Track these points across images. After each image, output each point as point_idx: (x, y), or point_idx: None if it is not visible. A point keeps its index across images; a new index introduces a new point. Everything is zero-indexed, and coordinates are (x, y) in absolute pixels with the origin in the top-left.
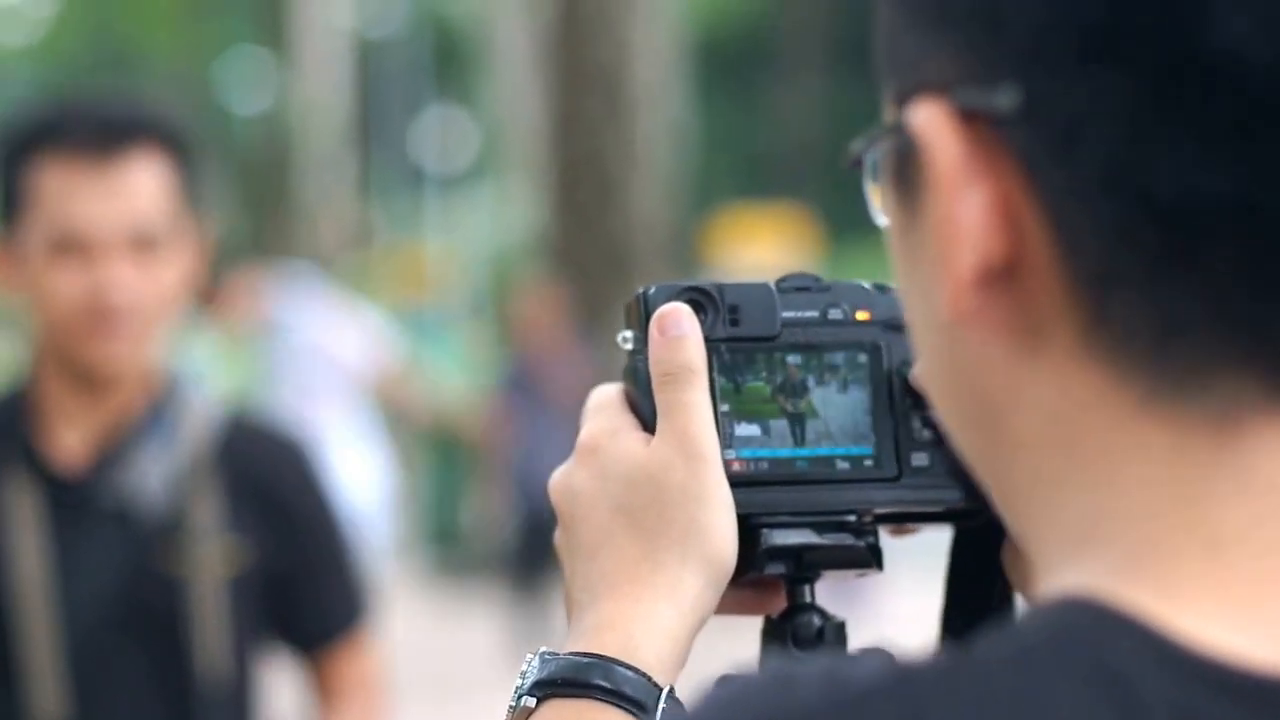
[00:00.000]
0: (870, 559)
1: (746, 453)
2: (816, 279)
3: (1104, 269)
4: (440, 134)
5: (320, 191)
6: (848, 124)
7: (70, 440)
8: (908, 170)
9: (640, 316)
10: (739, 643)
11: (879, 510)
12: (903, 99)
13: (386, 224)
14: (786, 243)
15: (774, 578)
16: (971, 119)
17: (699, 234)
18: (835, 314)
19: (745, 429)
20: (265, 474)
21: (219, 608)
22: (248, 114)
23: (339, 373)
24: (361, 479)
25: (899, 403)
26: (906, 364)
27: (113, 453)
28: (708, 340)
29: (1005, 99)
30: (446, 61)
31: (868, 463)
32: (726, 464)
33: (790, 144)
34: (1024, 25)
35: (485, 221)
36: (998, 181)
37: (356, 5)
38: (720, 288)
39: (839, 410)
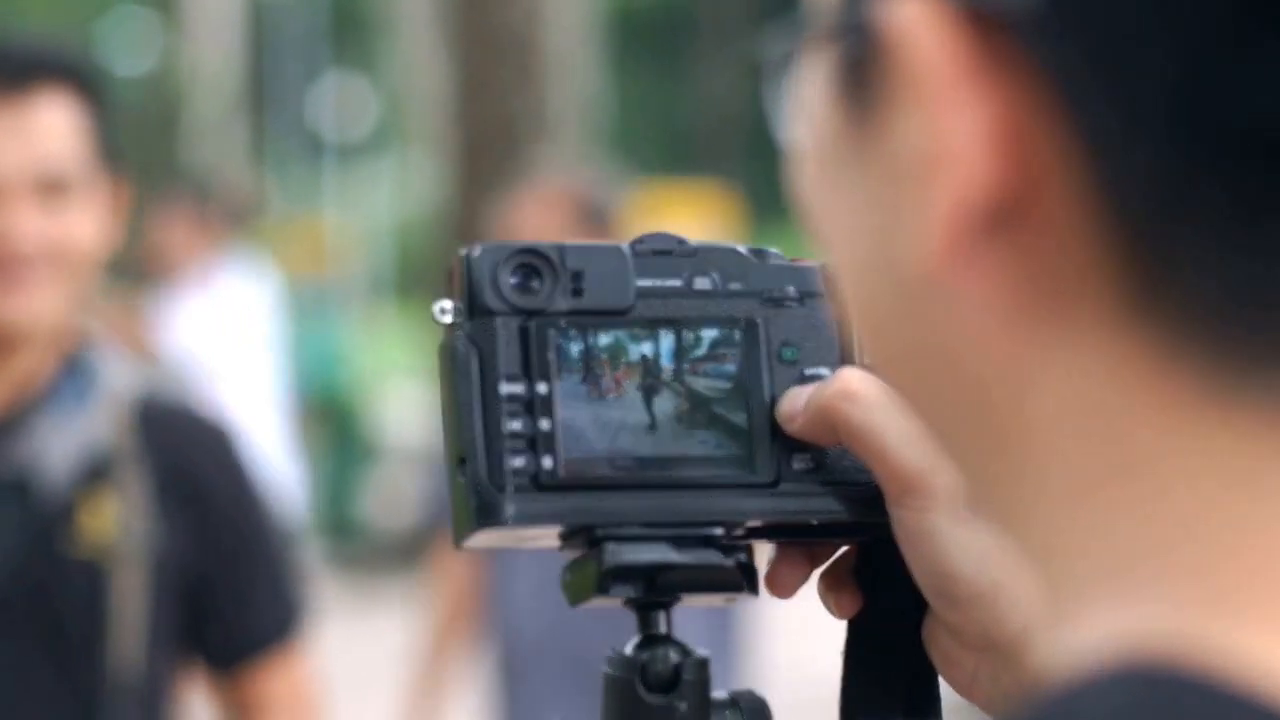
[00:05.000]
0: (741, 580)
1: (587, 449)
2: (681, 241)
3: (1163, 211)
4: (339, 101)
5: (210, 160)
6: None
7: None
8: (864, 75)
9: (464, 284)
10: None
11: (752, 522)
12: None
13: (281, 195)
14: (708, 220)
15: (621, 602)
16: (978, 20)
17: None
18: (703, 283)
19: (587, 420)
20: (186, 458)
21: (135, 600)
22: (130, 75)
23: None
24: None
25: (782, 389)
26: (789, 345)
27: (12, 419)
28: (544, 314)
29: None
30: (345, 24)
31: (739, 464)
32: (559, 464)
33: (713, 117)
34: None
35: (387, 194)
36: (1009, 98)
37: None
38: (562, 250)
39: (705, 400)
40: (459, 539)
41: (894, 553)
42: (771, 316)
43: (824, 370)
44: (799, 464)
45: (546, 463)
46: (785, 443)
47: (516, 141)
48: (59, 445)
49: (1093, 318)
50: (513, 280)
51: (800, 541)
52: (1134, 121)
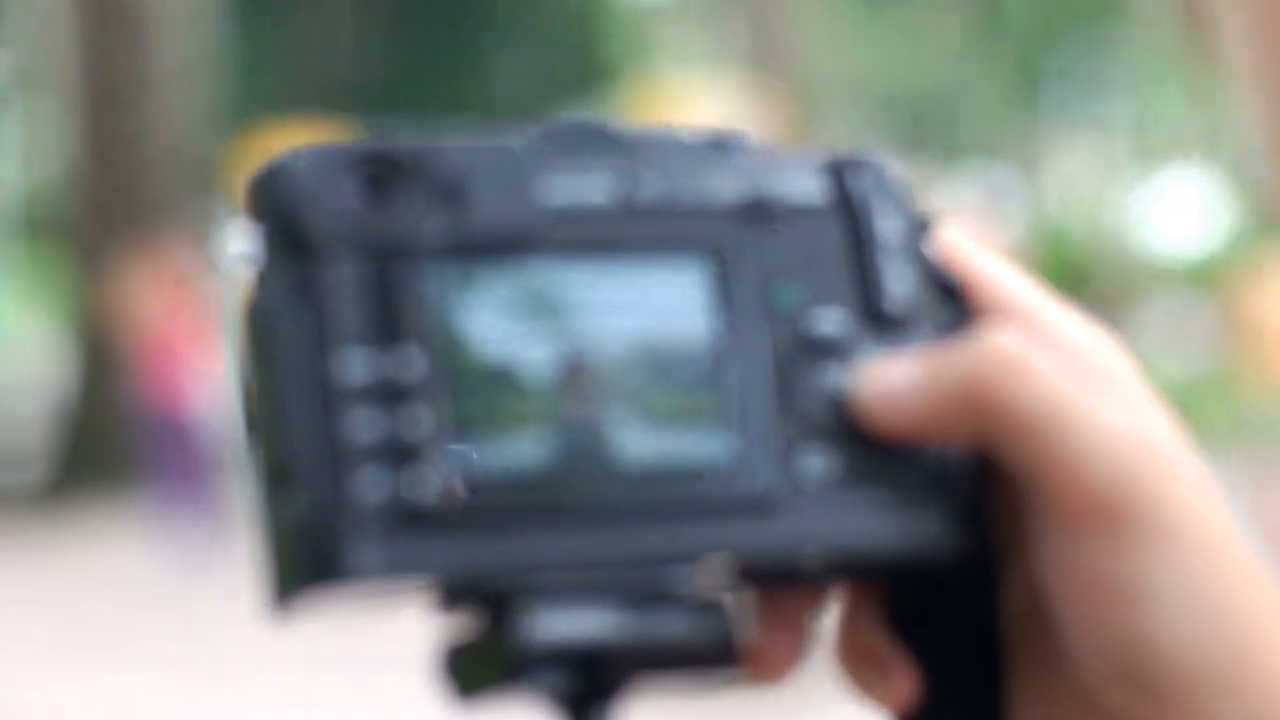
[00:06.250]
0: (731, 654)
1: (485, 459)
2: (606, 129)
3: None
4: None
5: None
6: (394, 42)
7: None
8: None
9: (281, 205)
10: None
11: (745, 563)
12: None
13: None
14: None
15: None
16: None
17: (233, 159)
18: (646, 191)
19: (482, 412)
20: None
21: None
22: None
23: None
24: None
25: (778, 353)
26: (784, 282)
27: None
28: (409, 246)
29: None
30: None
31: (723, 472)
32: (441, 483)
33: (334, 59)
34: None
35: (14, 153)
36: None
37: None
38: (430, 149)
39: (664, 373)
40: (281, 601)
41: (967, 591)
42: (754, 241)
43: (833, 321)
44: (819, 466)
45: (423, 481)
46: (796, 433)
47: (125, 95)
48: None
49: None
50: (358, 199)
51: (795, 587)
52: None
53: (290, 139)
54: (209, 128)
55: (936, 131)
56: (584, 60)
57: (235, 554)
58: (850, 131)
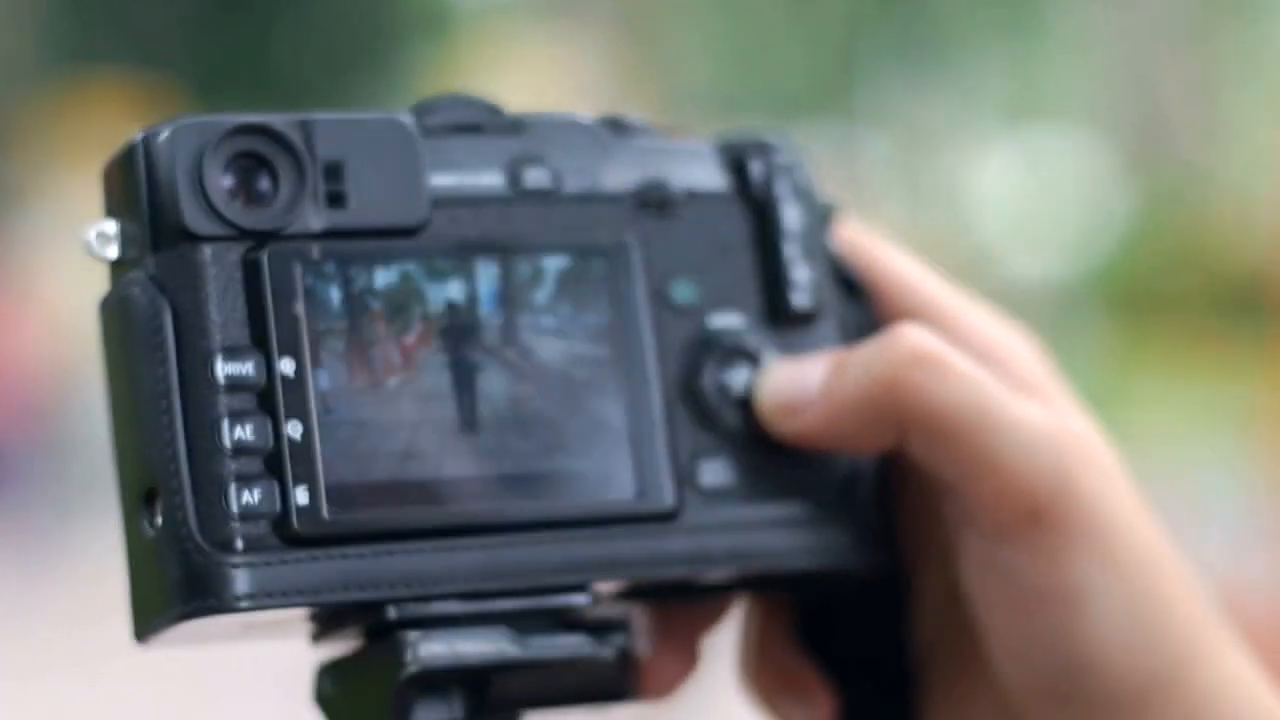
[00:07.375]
0: (622, 681)
1: (365, 470)
2: (494, 109)
3: None
4: None
5: None
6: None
7: None
8: None
9: (142, 191)
10: None
11: (642, 579)
12: None
13: None
14: (145, 120)
15: None
16: None
17: (32, 116)
18: (537, 178)
19: (362, 419)
20: None
21: None
22: None
23: None
24: None
25: (678, 353)
26: (680, 278)
27: None
28: (283, 237)
29: None
30: None
31: (615, 483)
32: (319, 498)
33: (153, 10)
34: None
35: None
36: None
37: None
38: (306, 127)
39: (556, 376)
40: (144, 629)
41: (878, 603)
42: (651, 233)
43: (735, 319)
44: (712, 477)
45: (300, 496)
46: (698, 441)
47: None
48: None
49: None
50: (228, 181)
51: (693, 601)
52: None
53: (103, 94)
54: (14, 82)
55: (762, 89)
56: (392, 14)
57: (43, 574)
58: (675, 87)
